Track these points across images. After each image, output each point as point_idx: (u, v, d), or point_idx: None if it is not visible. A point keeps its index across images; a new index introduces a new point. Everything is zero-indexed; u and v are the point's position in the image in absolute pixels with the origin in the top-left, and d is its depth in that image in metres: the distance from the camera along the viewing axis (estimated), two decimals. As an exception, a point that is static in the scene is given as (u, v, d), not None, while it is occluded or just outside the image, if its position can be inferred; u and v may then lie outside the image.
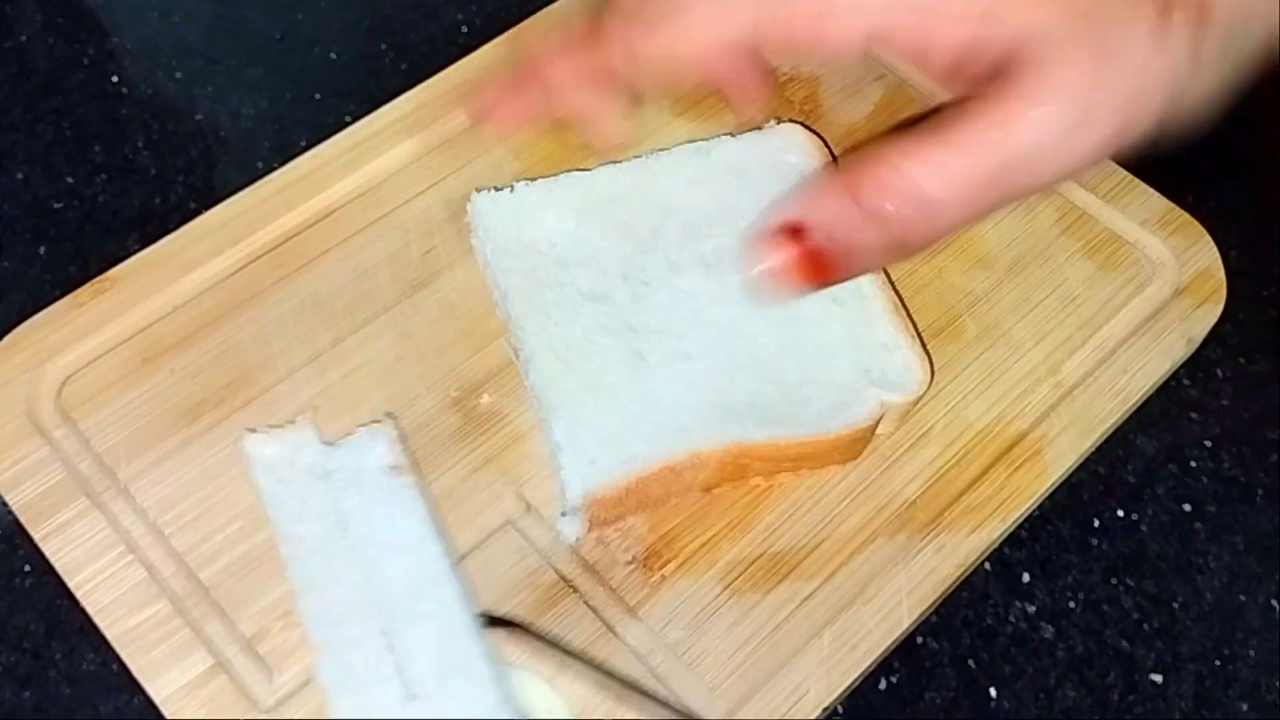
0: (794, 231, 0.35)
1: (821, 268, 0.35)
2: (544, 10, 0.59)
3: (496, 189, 0.51)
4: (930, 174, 0.33)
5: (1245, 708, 0.45)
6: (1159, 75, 0.34)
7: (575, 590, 0.45)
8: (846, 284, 0.40)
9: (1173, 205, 0.54)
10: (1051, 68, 0.33)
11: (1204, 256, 0.53)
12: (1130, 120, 0.34)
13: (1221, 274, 0.52)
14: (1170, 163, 0.57)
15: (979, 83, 0.34)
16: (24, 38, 0.61)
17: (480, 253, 0.50)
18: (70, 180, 0.56)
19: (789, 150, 0.53)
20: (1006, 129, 0.33)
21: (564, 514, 0.45)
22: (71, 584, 0.44)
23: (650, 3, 0.38)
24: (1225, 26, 0.35)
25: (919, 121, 0.34)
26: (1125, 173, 0.55)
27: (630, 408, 0.46)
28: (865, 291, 0.49)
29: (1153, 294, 0.52)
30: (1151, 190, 0.54)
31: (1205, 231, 0.53)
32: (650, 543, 0.46)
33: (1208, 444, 0.50)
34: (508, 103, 0.44)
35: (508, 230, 0.50)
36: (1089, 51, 0.33)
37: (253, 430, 0.47)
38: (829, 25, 0.36)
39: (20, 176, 0.56)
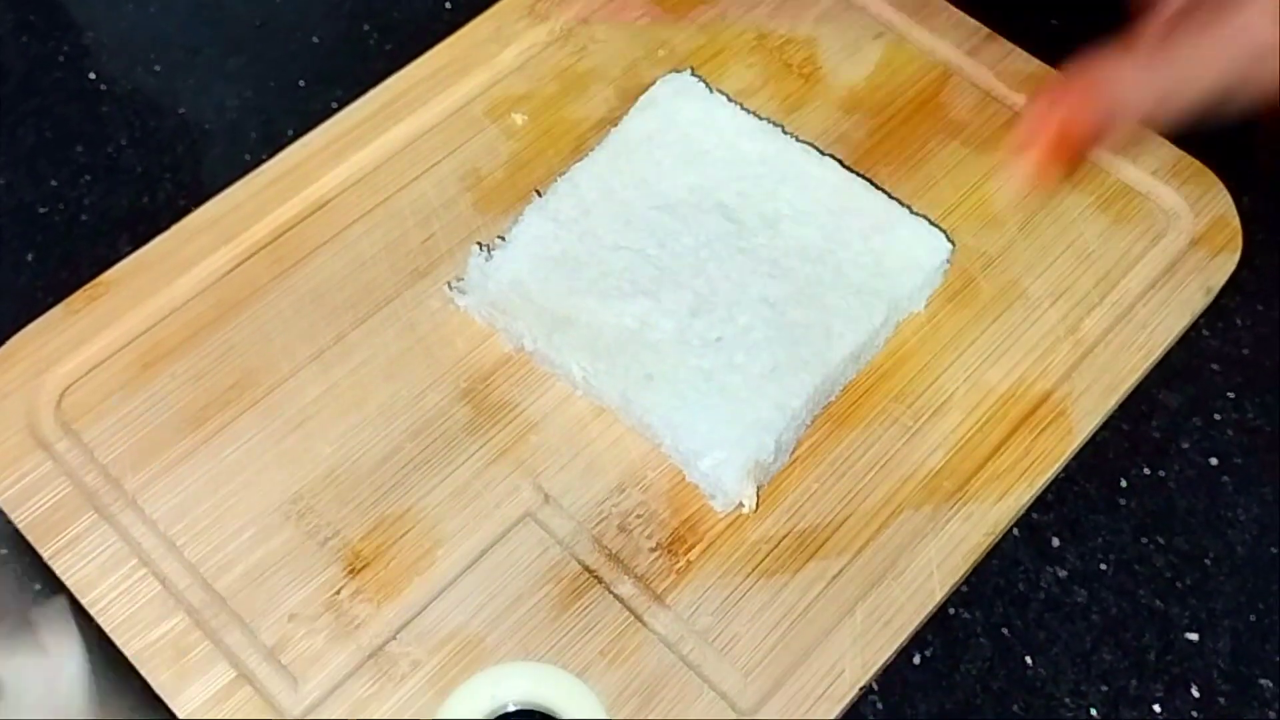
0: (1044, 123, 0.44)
1: (1065, 146, 0.45)
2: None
3: (485, 247, 0.49)
4: (1125, 81, 0.44)
5: (1283, 661, 0.44)
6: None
7: (600, 581, 0.44)
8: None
9: (1183, 154, 0.53)
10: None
11: (1218, 204, 0.52)
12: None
13: (1236, 221, 0.51)
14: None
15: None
16: (-4, 37, 0.59)
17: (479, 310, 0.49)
18: (54, 183, 0.55)
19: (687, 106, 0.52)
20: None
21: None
22: (85, 601, 0.43)
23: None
24: None
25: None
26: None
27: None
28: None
29: (1168, 245, 0.51)
30: (1162, 139, 0.53)
31: (1218, 179, 0.52)
32: (674, 527, 0.45)
33: (1231, 395, 0.50)
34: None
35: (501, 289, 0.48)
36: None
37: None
38: None
39: (3, 182, 0.55)
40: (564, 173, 0.50)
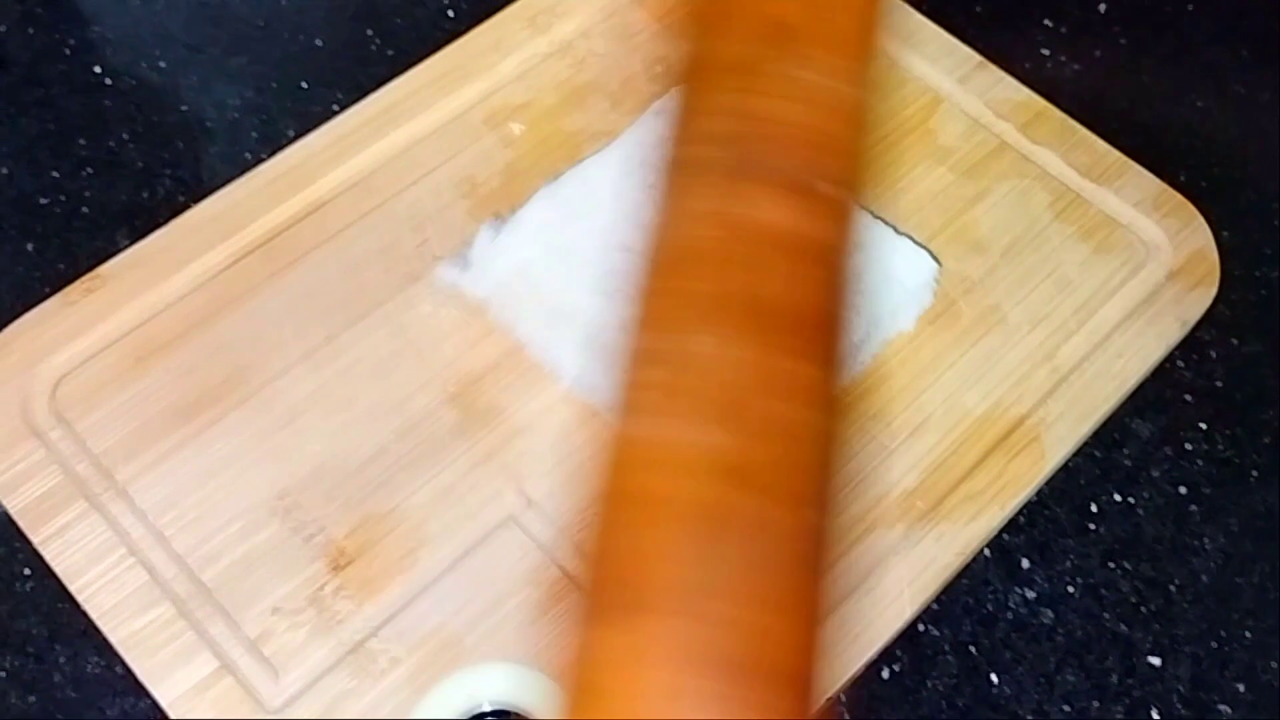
0: None
1: None
2: (530, -6, 0.59)
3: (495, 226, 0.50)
4: None
5: (1242, 688, 0.45)
6: None
7: (580, 587, 0.45)
8: None
9: (1166, 186, 0.54)
10: None
11: (1197, 239, 0.53)
12: None
13: (1215, 257, 0.52)
14: (1163, 141, 0.57)
15: None
16: (3, 28, 0.60)
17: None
18: (55, 175, 0.55)
19: None
20: None
21: None
22: (73, 588, 0.44)
23: None
24: None
25: None
26: (1118, 154, 0.55)
27: None
28: None
29: (1147, 277, 0.52)
30: (1144, 171, 0.54)
31: (1198, 213, 0.53)
32: (652, 536, 0.46)
33: (1202, 426, 0.51)
34: None
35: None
36: None
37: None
38: None
39: (4, 172, 0.55)
40: (577, 161, 0.51)
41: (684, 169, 0.32)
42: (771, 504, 0.27)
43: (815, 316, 0.30)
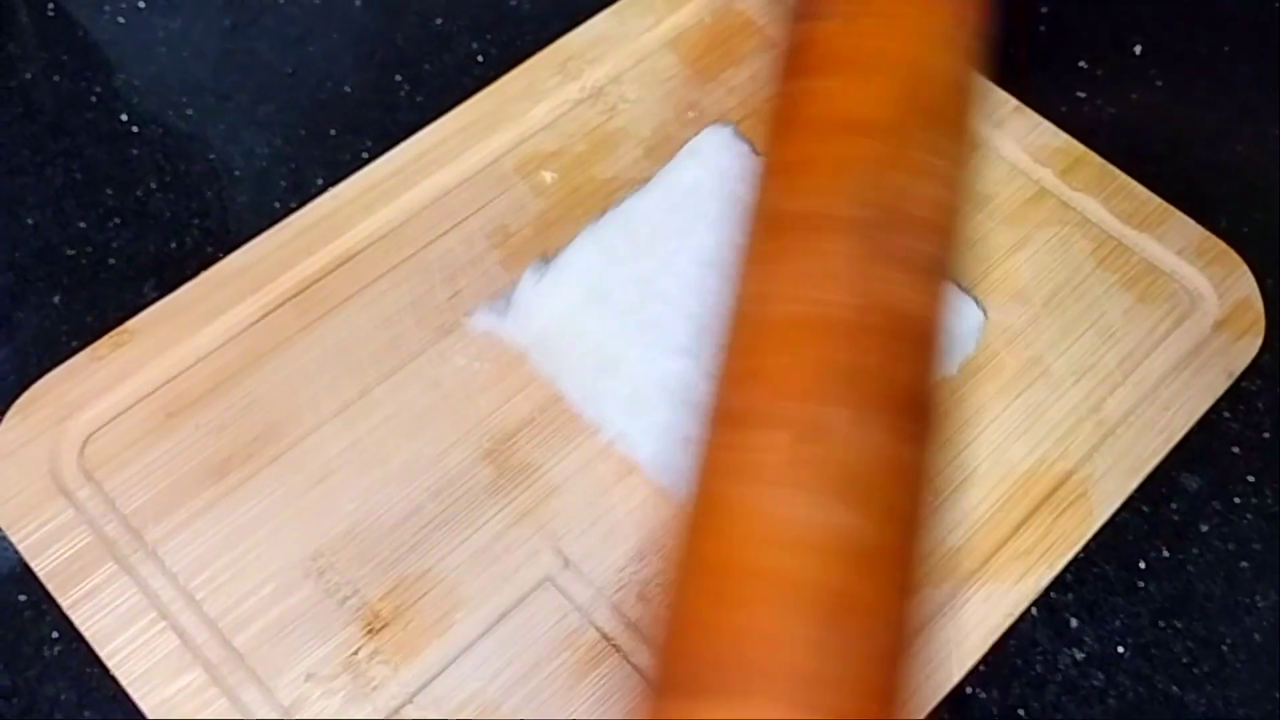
0: None
1: None
2: (558, 42, 0.58)
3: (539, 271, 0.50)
4: None
5: (1299, 752, 0.44)
6: None
7: (618, 650, 0.44)
8: None
9: (1209, 234, 0.53)
10: None
11: (1242, 287, 0.52)
12: None
13: (1260, 305, 0.51)
14: (1203, 186, 0.56)
15: None
16: (28, 75, 0.59)
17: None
18: (82, 225, 0.55)
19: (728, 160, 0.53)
20: None
21: None
22: (103, 654, 0.43)
23: None
24: None
25: None
26: (1159, 200, 0.54)
27: None
28: None
29: (1192, 327, 0.51)
30: (1187, 218, 0.54)
31: (1242, 261, 0.52)
32: (693, 597, 0.45)
33: (1251, 479, 0.50)
34: None
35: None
36: None
37: (282, 488, 0.46)
38: None
39: (30, 222, 0.55)
40: (616, 204, 0.51)
41: (799, 226, 0.30)
42: (890, 594, 0.26)
43: (929, 403, 0.29)
